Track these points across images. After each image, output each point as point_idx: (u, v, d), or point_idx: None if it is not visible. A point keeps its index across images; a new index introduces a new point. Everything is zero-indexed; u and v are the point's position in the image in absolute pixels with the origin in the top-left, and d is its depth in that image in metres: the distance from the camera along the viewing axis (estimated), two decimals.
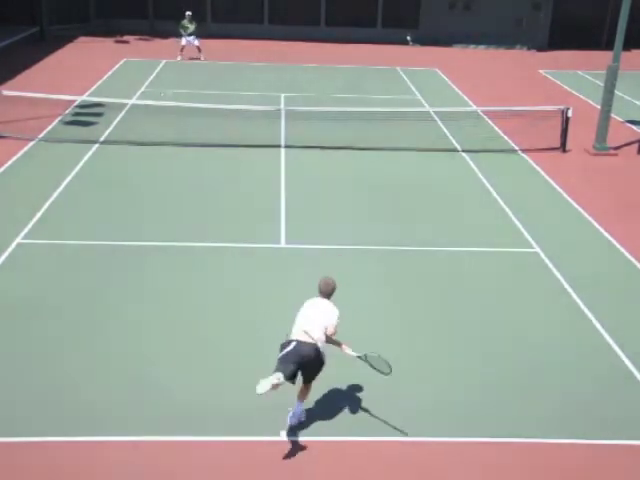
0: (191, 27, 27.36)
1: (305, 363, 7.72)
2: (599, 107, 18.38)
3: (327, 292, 8.09)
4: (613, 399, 8.85)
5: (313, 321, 7.82)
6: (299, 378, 7.86)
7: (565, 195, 15.30)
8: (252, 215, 13.64)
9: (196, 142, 17.47)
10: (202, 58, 27.85)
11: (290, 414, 8.14)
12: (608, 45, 27.39)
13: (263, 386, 7.34)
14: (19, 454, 7.61)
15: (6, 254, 11.74)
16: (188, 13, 27.50)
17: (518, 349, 9.77)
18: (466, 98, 23.47)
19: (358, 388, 8.84)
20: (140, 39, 31.85)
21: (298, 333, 7.81)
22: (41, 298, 10.53)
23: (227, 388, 8.73)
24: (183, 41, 27.49)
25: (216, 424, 8.14)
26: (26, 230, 12.59)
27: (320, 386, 8.77)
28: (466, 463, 7.75)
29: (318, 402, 8.52)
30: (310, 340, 7.74)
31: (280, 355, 7.71)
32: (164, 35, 32.27)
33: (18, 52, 27.71)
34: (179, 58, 27.58)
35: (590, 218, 14.12)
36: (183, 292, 10.87)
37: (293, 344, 7.73)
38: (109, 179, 15.15)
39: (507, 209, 14.39)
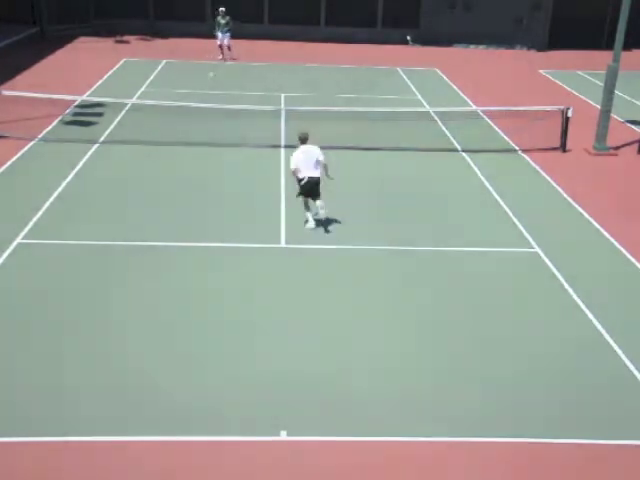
0: (223, 22, 27.02)
1: (315, 188, 12.80)
2: (599, 107, 18.38)
3: (306, 138, 12.92)
4: (613, 399, 8.85)
5: (312, 160, 12.67)
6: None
7: (565, 195, 15.30)
8: (252, 215, 13.64)
9: (196, 142, 17.48)
10: (228, 58, 27.64)
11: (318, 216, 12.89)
12: (608, 45, 27.41)
13: (310, 223, 13.02)
14: (19, 454, 7.61)
15: (6, 254, 11.74)
16: (222, 9, 27.21)
17: (518, 349, 9.77)
18: (466, 98, 23.48)
19: (358, 388, 8.84)
20: (140, 39, 31.86)
21: (307, 172, 12.67)
22: (41, 298, 10.53)
23: (227, 388, 8.73)
24: (219, 40, 27.38)
25: (216, 424, 8.13)
26: (26, 230, 12.60)
27: (321, 385, 8.79)
28: (466, 463, 7.75)
29: (319, 401, 8.52)
30: (316, 174, 12.73)
31: (301, 187, 12.80)
32: (164, 35, 32.32)
33: (18, 52, 27.72)
34: (221, 57, 27.56)
35: (590, 218, 14.12)
36: (183, 292, 10.87)
37: (306, 180, 12.68)
38: (109, 179, 15.15)
39: (507, 209, 14.39)
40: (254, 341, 9.70)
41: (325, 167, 12.92)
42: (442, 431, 8.17)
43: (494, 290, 11.35)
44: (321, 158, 12.83)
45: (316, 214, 13.00)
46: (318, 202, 12.89)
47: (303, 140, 12.91)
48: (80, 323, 9.94)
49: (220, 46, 27.52)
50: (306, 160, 12.68)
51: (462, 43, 33.54)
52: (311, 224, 13.03)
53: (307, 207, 13.08)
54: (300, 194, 12.95)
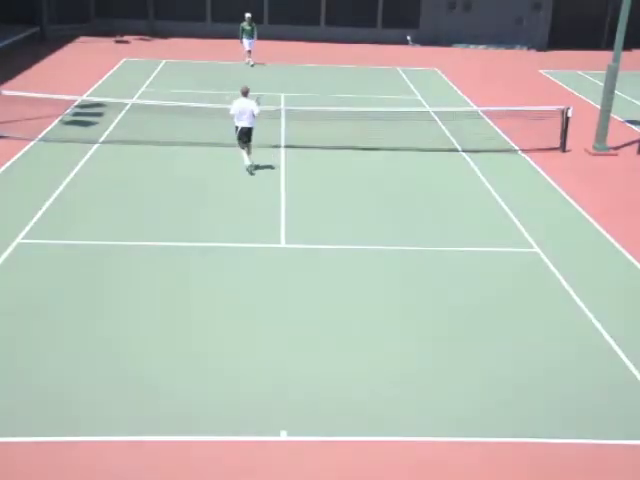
0: (249, 29, 26.79)
1: (248, 135, 15.48)
2: (599, 107, 18.38)
3: (246, 92, 15.29)
4: (613, 399, 8.85)
5: (247, 112, 15.23)
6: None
7: (565, 195, 15.30)
8: (252, 215, 13.64)
9: (196, 142, 17.47)
10: (251, 63, 27.25)
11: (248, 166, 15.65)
12: (608, 45, 27.40)
13: (245, 160, 15.65)
14: (19, 454, 7.61)
15: (6, 254, 11.74)
16: (248, 15, 26.98)
17: (518, 349, 9.77)
18: (466, 98, 23.47)
19: (358, 387, 8.84)
20: (140, 39, 31.85)
21: (240, 122, 15.36)
22: (41, 298, 10.53)
23: (227, 388, 8.73)
24: (246, 45, 27.09)
25: (216, 424, 8.14)
26: (26, 230, 12.60)
27: (321, 385, 8.79)
28: (466, 463, 7.75)
29: (319, 401, 8.53)
30: (247, 125, 15.38)
31: (237, 136, 15.56)
32: (164, 35, 32.32)
33: (18, 52, 27.72)
34: (247, 60, 27.24)
35: (590, 218, 14.12)
36: (183, 292, 10.87)
37: (240, 128, 15.41)
38: (109, 179, 15.15)
39: (507, 209, 14.39)
40: (254, 341, 9.70)
41: (255, 117, 15.54)
42: (442, 431, 8.17)
43: (494, 290, 11.35)
44: (256, 111, 15.33)
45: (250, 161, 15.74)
46: (248, 146, 15.72)
47: (244, 93, 15.30)
48: (80, 323, 9.94)
49: (249, 52, 27.20)
50: (241, 111, 15.26)
51: (462, 43, 33.52)
52: (246, 162, 15.67)
53: (242, 147, 15.73)
54: (239, 140, 15.68)
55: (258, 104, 15.43)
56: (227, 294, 10.87)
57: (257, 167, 16.06)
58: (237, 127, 15.45)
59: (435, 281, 11.52)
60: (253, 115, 15.31)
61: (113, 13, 32.82)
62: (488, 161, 17.20)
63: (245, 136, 15.44)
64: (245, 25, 26.90)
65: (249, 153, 15.62)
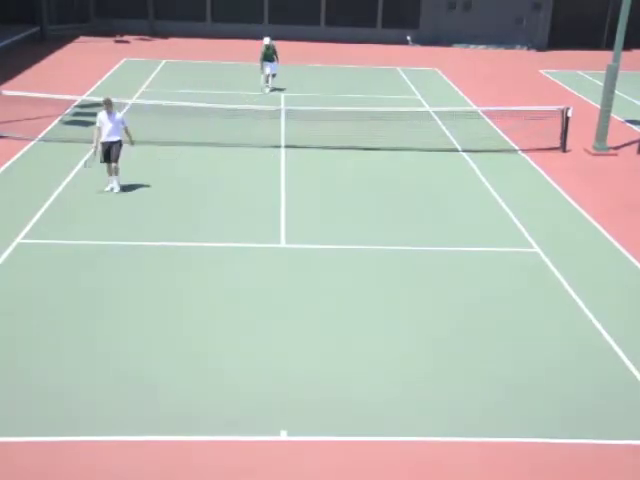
0: (269, 53, 23.06)
1: (114, 149, 14.16)
2: (599, 107, 18.38)
3: (111, 105, 14.08)
4: (613, 399, 8.85)
5: (115, 127, 14.16)
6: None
7: (565, 195, 15.31)
8: (252, 215, 13.64)
9: (196, 142, 17.48)
10: (267, 90, 23.26)
11: (114, 185, 14.37)
12: (608, 45, 27.42)
13: (114, 188, 14.33)
14: (19, 454, 7.61)
15: (6, 254, 11.74)
16: (266, 38, 23.37)
17: (518, 349, 9.77)
18: (466, 98, 23.48)
19: (358, 387, 8.84)
20: (140, 39, 31.87)
21: (108, 136, 14.15)
22: (41, 298, 10.53)
23: (227, 388, 8.73)
24: (266, 69, 23.20)
25: (216, 424, 8.14)
26: (26, 230, 12.60)
27: (321, 385, 8.79)
28: (466, 463, 7.75)
29: (319, 401, 8.53)
30: (117, 138, 14.23)
31: (102, 151, 14.19)
32: (164, 35, 32.34)
33: (18, 52, 27.73)
34: (265, 85, 23.29)
35: (590, 218, 14.12)
36: (183, 292, 10.87)
37: (107, 144, 14.16)
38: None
39: (507, 209, 14.39)
40: (254, 341, 9.70)
41: (127, 131, 14.45)
42: (442, 431, 8.17)
43: (494, 290, 11.35)
44: (125, 124, 14.46)
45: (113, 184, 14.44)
46: (114, 165, 14.25)
47: (110, 106, 14.09)
48: (80, 323, 9.94)
49: (269, 76, 23.24)
50: (107, 124, 14.13)
51: (462, 43, 33.55)
52: (115, 189, 14.35)
53: (110, 173, 14.38)
54: (102, 159, 14.29)
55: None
56: (227, 294, 10.87)
57: (257, 167, 16.09)
58: (104, 144, 14.15)
59: (435, 281, 11.52)
60: (119, 128, 14.24)
61: (113, 13, 32.85)
62: (488, 161, 17.21)
63: (111, 151, 14.16)
64: (265, 49, 23.07)
65: (115, 170, 14.29)
